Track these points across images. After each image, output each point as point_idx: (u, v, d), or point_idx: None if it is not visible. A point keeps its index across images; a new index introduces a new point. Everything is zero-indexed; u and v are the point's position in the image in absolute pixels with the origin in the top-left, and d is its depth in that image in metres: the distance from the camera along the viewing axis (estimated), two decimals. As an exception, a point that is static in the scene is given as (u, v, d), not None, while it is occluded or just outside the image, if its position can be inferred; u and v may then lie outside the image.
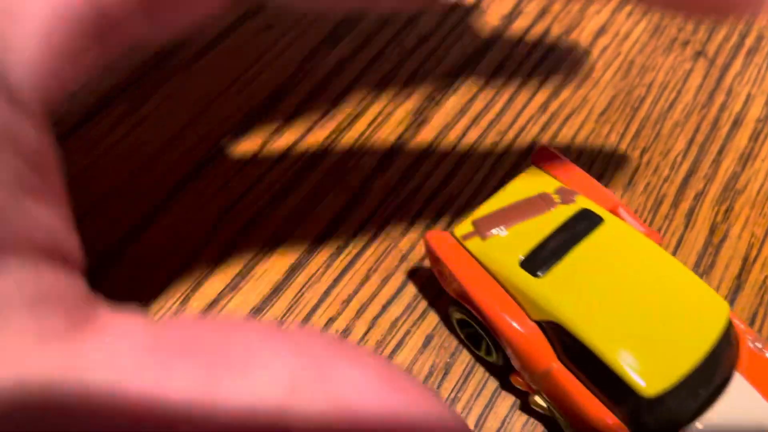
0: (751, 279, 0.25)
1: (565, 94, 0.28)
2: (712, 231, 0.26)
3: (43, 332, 0.13)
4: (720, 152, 0.28)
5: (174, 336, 0.15)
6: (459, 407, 0.21)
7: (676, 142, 0.28)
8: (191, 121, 0.26)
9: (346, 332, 0.22)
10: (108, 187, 0.24)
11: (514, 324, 0.19)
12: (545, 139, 0.27)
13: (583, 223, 0.20)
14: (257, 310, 0.23)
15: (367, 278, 0.23)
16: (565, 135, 0.27)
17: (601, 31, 0.30)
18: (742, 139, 0.28)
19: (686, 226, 0.26)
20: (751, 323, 0.24)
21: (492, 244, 0.20)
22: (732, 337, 0.19)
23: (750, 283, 0.25)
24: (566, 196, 0.21)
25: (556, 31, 0.30)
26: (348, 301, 0.23)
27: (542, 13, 0.30)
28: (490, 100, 0.28)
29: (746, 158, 0.28)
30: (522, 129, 0.27)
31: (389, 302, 0.23)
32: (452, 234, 0.21)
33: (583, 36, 0.30)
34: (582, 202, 0.21)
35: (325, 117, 0.27)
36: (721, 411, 0.18)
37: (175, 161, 0.25)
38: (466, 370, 0.22)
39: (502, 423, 0.21)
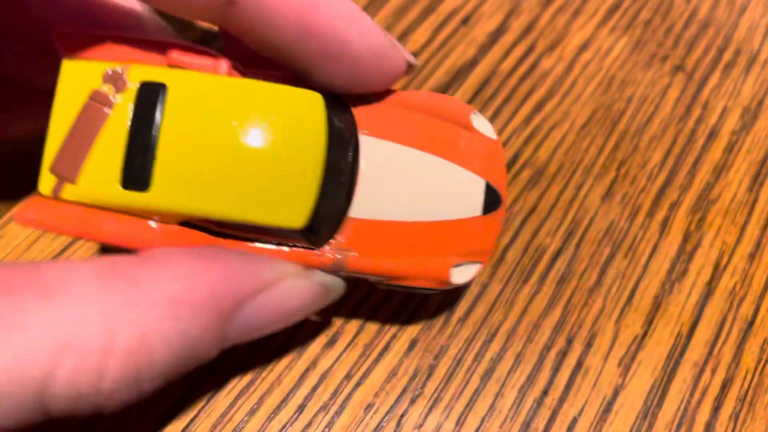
0: (722, 285, 0.26)
1: (548, 107, 0.30)
2: (686, 239, 0.27)
3: None
4: (695, 163, 0.29)
5: None
6: (441, 407, 0.23)
7: (654, 154, 0.29)
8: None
9: (336, 335, 0.24)
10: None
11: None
12: (528, 151, 0.28)
13: (150, 102, 0.17)
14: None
15: (356, 285, 0.25)
16: (548, 147, 0.29)
17: (584, 47, 0.32)
18: (717, 150, 0.29)
19: (661, 235, 0.27)
20: (721, 327, 0.25)
21: (85, 182, 0.17)
22: (341, 114, 0.19)
23: (720, 289, 0.26)
24: (117, 82, 0.18)
25: (540, 46, 0.31)
26: (338, 307, 0.24)
27: (528, 29, 0.32)
28: (476, 114, 0.29)
29: (720, 169, 0.29)
30: (506, 142, 0.29)
31: (377, 308, 0.24)
32: (42, 195, 0.18)
33: (566, 51, 0.31)
34: (135, 75, 0.17)
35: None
36: (368, 172, 0.19)
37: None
38: (448, 372, 0.23)
39: (481, 421, 0.23)
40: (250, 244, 0.19)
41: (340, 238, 0.19)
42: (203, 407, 0.22)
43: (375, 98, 0.20)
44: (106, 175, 0.17)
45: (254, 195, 0.17)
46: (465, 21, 0.32)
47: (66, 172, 0.17)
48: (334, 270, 0.19)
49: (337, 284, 0.20)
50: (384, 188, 0.19)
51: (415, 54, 0.30)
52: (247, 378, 0.23)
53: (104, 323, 0.15)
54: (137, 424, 0.22)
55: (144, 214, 0.18)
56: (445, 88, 0.30)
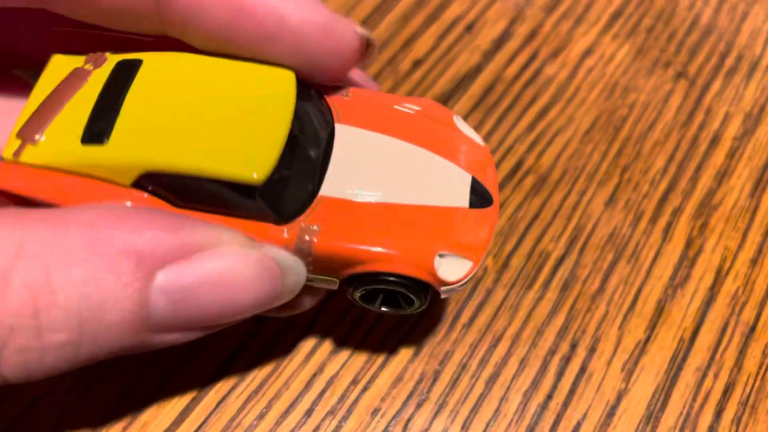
0: (724, 290, 0.27)
1: (551, 114, 0.30)
2: (688, 245, 0.27)
3: None
4: (697, 169, 0.29)
5: None
6: (447, 411, 0.23)
7: (656, 159, 0.29)
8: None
9: (342, 341, 0.24)
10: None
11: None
12: (531, 158, 0.29)
13: (123, 73, 0.18)
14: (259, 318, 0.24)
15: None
16: (551, 153, 0.29)
17: (587, 53, 0.32)
18: (719, 156, 0.30)
19: (663, 240, 0.27)
20: (723, 332, 0.26)
21: (47, 143, 0.18)
22: (316, 99, 0.20)
23: (723, 294, 0.26)
24: (98, 61, 0.19)
25: (544, 53, 0.32)
26: (345, 312, 0.25)
27: (531, 35, 0.32)
28: (479, 120, 0.29)
29: (722, 175, 0.29)
30: (510, 148, 0.29)
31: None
32: (3, 159, 0.18)
33: (570, 58, 0.32)
34: (115, 57, 0.19)
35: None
36: (340, 158, 0.19)
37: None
38: (453, 377, 0.24)
39: (486, 425, 0.23)
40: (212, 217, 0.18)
41: (309, 214, 0.18)
42: (213, 411, 0.23)
43: (355, 93, 0.21)
44: (67, 136, 0.17)
45: (212, 149, 0.17)
46: (469, 28, 0.32)
47: (29, 135, 0.17)
48: (299, 249, 0.18)
49: (297, 265, 0.18)
50: (361, 170, 0.19)
51: (420, 61, 0.31)
52: (255, 383, 0.23)
53: (4, 253, 0.14)
54: (149, 426, 0.22)
55: (102, 174, 0.17)
56: (450, 94, 0.30)
